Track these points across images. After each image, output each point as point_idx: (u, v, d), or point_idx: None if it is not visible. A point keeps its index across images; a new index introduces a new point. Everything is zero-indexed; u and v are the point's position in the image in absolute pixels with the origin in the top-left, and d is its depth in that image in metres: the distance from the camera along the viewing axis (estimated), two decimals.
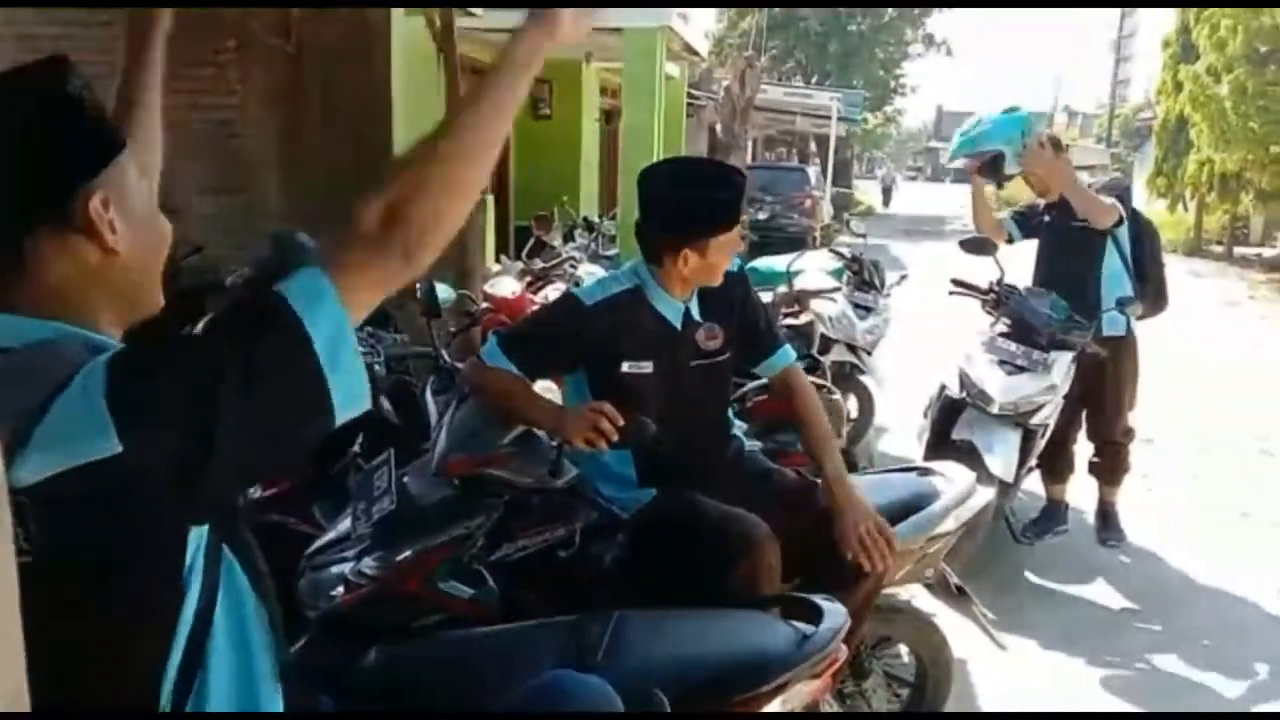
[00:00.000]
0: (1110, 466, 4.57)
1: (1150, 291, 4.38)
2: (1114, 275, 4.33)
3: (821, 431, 2.46)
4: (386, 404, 3.46)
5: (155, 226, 1.20)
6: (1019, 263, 4.51)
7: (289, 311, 1.02)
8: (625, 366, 2.35)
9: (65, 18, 5.82)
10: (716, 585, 2.06)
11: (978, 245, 4.40)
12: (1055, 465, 4.58)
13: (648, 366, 2.36)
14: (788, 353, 2.59)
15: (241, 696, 1.11)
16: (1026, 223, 4.60)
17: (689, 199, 2.31)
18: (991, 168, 4.39)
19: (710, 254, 2.30)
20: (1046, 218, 4.50)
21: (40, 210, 1.08)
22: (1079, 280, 4.33)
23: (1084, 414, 4.53)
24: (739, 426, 2.63)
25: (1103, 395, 4.45)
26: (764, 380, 2.71)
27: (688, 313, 2.41)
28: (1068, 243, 4.33)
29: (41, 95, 1.10)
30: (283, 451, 1.15)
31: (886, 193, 35.05)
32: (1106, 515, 4.63)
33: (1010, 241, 4.56)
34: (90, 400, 0.96)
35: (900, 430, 5.59)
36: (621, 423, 2.03)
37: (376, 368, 3.53)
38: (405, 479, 2.12)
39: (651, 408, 2.28)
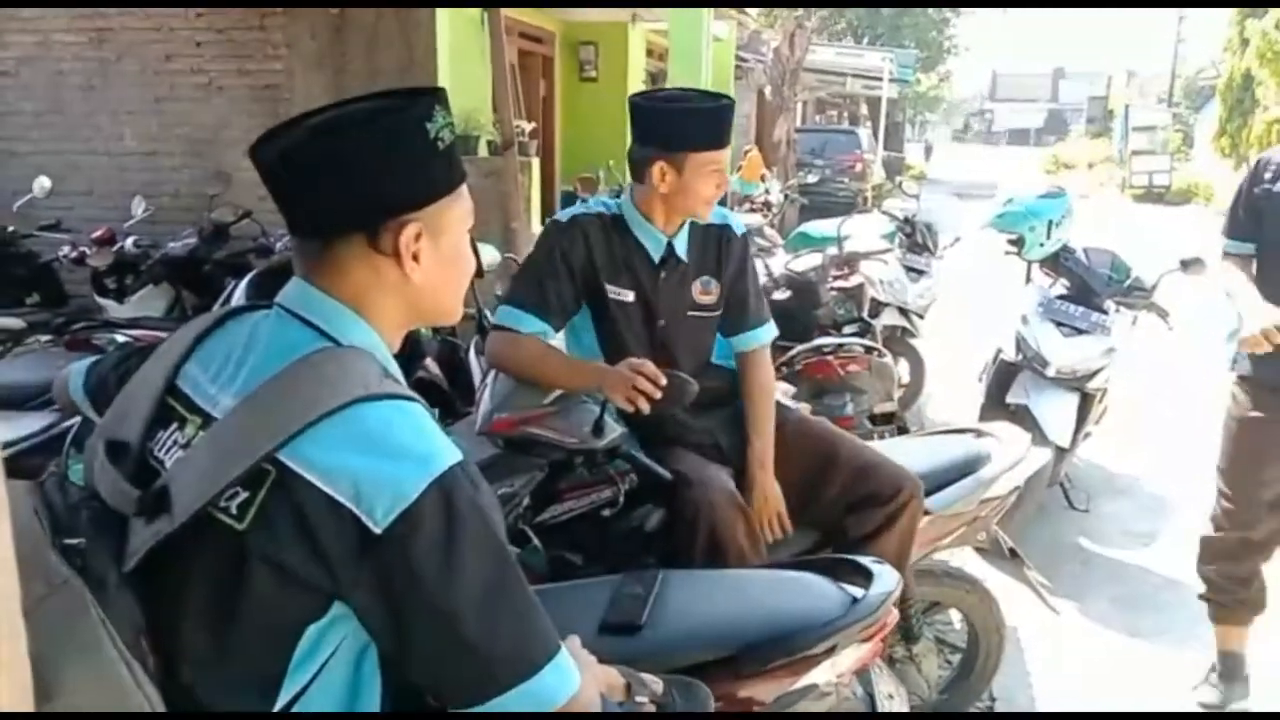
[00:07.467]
0: None
1: None
2: None
3: (764, 413, 2.33)
4: (433, 366, 3.48)
5: (461, 265, 1.23)
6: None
7: None
8: (610, 290, 2.29)
9: None
10: (686, 552, 2.01)
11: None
12: None
13: (629, 296, 2.29)
14: (768, 331, 2.46)
15: None
16: (1240, 219, 2.79)
17: (668, 110, 2.24)
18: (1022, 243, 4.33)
19: (687, 172, 2.18)
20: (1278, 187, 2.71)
21: (355, 221, 1.13)
22: None
23: None
24: (787, 389, 2.55)
25: None
26: (817, 343, 2.61)
27: (670, 249, 2.30)
28: None
29: (406, 119, 1.13)
30: None
31: (928, 151, 35.27)
32: None
33: None
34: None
35: (953, 395, 5.49)
36: (664, 382, 1.99)
37: (422, 330, 3.53)
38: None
39: (642, 341, 2.27)
